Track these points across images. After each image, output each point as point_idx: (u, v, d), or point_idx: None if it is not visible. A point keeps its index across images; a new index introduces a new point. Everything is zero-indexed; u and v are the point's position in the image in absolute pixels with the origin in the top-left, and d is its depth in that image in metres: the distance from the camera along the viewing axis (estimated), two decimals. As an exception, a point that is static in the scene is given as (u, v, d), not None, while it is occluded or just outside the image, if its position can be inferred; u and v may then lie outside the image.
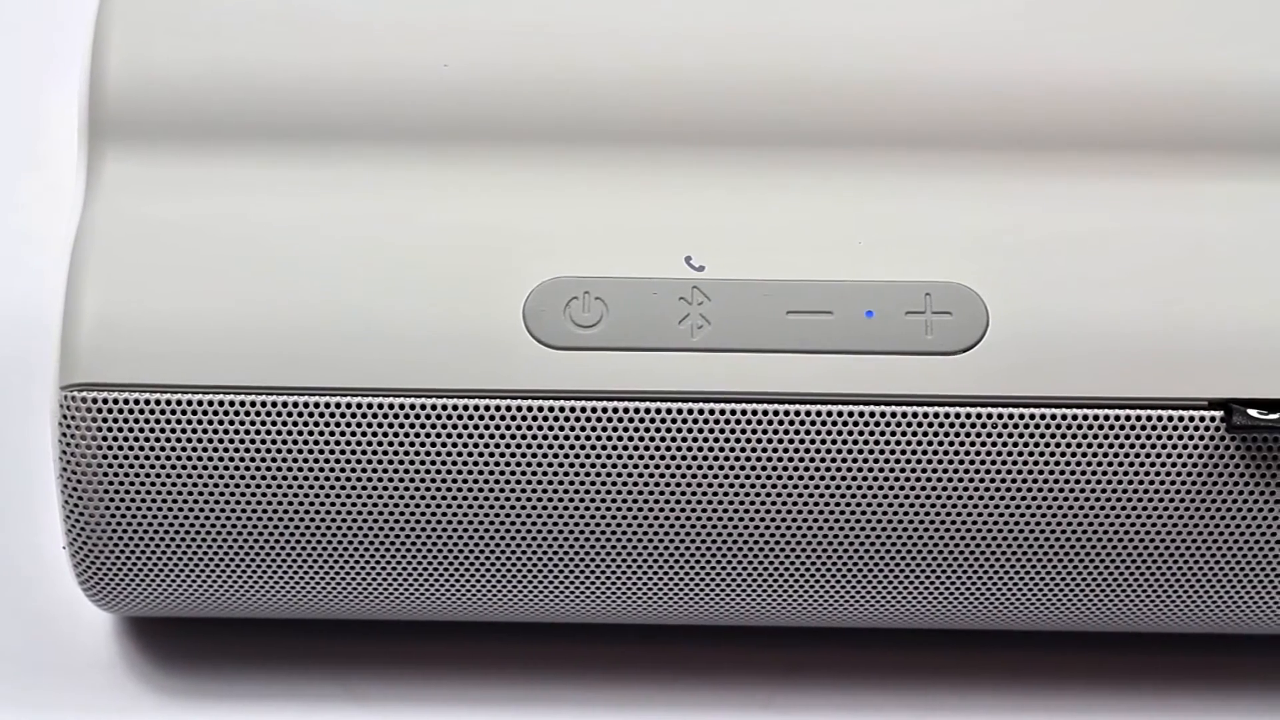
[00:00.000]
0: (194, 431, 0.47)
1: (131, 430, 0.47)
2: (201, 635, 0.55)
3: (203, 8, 0.50)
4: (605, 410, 0.47)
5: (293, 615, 0.52)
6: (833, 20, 0.50)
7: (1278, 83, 0.50)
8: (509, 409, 0.47)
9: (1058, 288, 0.48)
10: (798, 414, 0.47)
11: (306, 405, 0.47)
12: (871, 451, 0.47)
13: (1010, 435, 0.47)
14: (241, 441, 0.47)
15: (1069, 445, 0.47)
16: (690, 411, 0.47)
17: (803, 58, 0.50)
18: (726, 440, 0.47)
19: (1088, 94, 0.49)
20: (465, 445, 0.47)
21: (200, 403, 0.47)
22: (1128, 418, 0.47)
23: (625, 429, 0.47)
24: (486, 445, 0.47)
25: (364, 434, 0.47)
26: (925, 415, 0.47)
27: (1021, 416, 0.47)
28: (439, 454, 0.47)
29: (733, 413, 0.47)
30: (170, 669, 0.55)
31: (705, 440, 0.47)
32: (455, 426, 0.47)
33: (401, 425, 0.47)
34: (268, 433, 0.47)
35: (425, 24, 0.50)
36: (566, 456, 0.47)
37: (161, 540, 0.49)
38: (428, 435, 0.47)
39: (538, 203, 0.49)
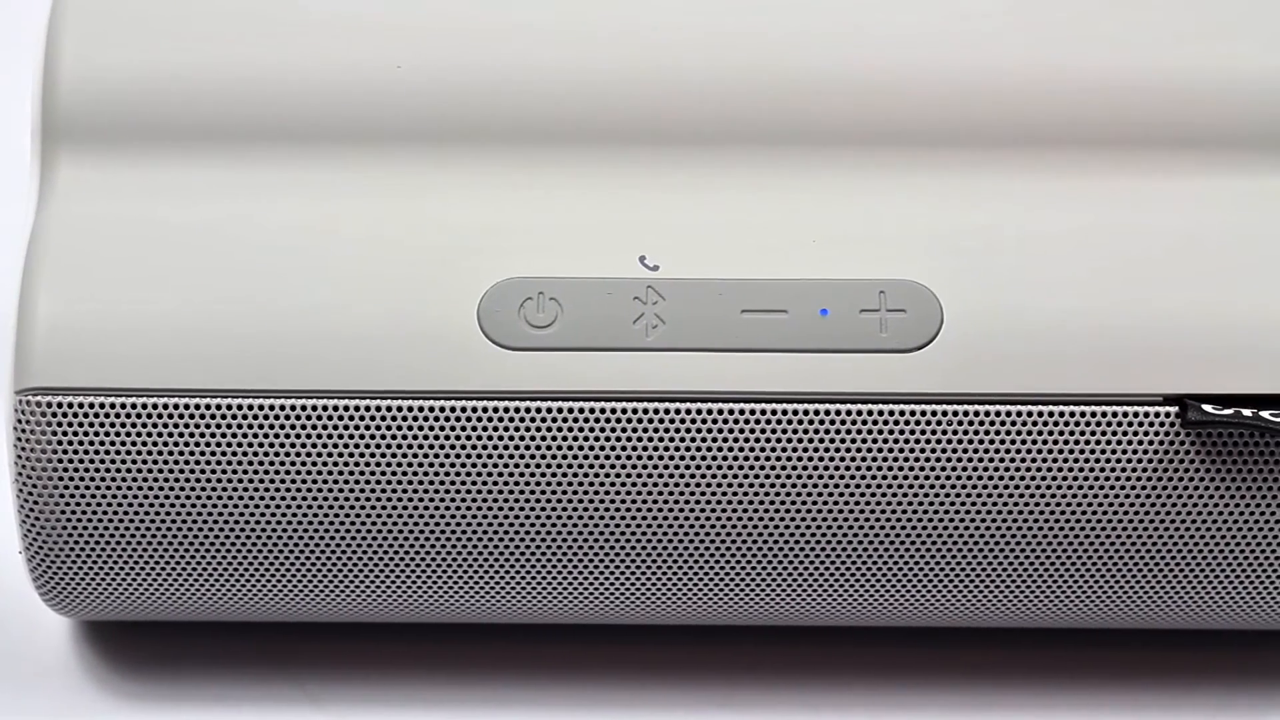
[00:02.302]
0: (149, 435, 0.47)
1: (87, 434, 0.47)
2: (160, 639, 0.55)
3: (155, 11, 0.50)
4: (560, 411, 0.47)
5: (250, 618, 0.52)
6: (785, 19, 0.50)
7: (1229, 79, 0.50)
8: (464, 410, 0.47)
9: (1012, 285, 0.48)
10: (753, 413, 0.47)
11: (260, 408, 0.47)
12: (826, 450, 0.47)
13: (965, 432, 0.47)
14: (196, 444, 0.47)
15: (1024, 442, 0.47)
16: (645, 411, 0.47)
17: (755, 57, 0.50)
18: (681, 440, 0.47)
19: (1039, 92, 0.49)
20: (421, 447, 0.47)
21: (155, 406, 0.47)
22: (1083, 414, 0.47)
23: (580, 429, 0.47)
24: (442, 447, 0.47)
25: (319, 436, 0.47)
26: (880, 413, 0.47)
27: (976, 413, 0.47)
28: (395, 456, 0.47)
29: (688, 412, 0.47)
30: (128, 673, 0.55)
31: (660, 440, 0.47)
32: (410, 428, 0.47)
33: (357, 427, 0.47)
34: (222, 435, 0.47)
35: (376, 25, 0.50)
36: (522, 457, 0.47)
37: (118, 544, 0.49)
38: (383, 437, 0.47)
39: (492, 204, 0.49)
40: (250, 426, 0.47)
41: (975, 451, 0.47)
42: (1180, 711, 0.55)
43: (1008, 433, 0.47)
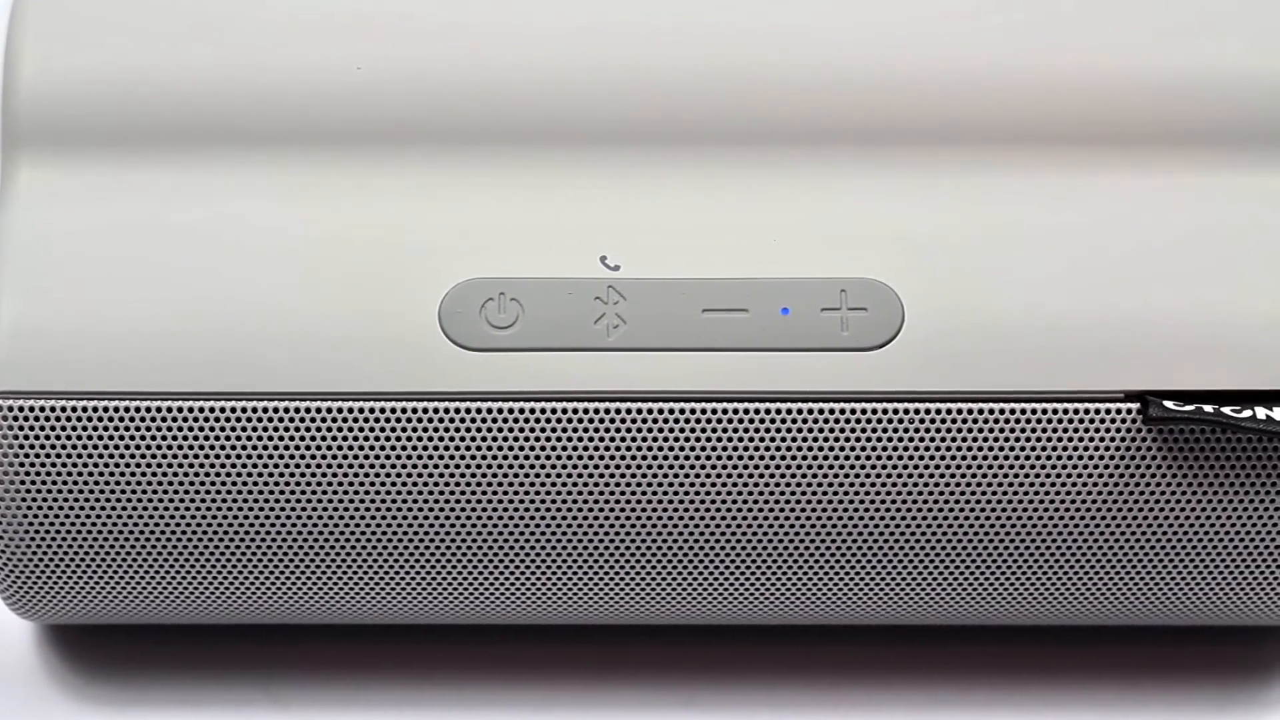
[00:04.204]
0: (112, 438, 0.47)
1: (49, 438, 0.47)
2: (124, 642, 0.55)
3: (115, 15, 0.50)
4: (522, 411, 0.47)
5: (214, 621, 0.52)
6: (745, 19, 0.50)
7: (1191, 76, 0.50)
8: (426, 411, 0.47)
9: (972, 282, 0.48)
10: (714, 412, 0.47)
11: (223, 410, 0.47)
12: (788, 449, 0.47)
13: (927, 430, 0.47)
14: (159, 447, 0.47)
15: (986, 439, 0.47)
16: (606, 411, 0.47)
17: (715, 56, 0.49)
18: (643, 439, 0.47)
19: (998, 91, 0.49)
20: (382, 448, 0.47)
21: (117, 409, 0.47)
22: (1044, 411, 0.47)
23: (542, 430, 0.47)
24: (403, 448, 0.47)
25: (280, 439, 0.47)
26: (842, 412, 0.47)
27: (938, 411, 0.47)
28: (356, 458, 0.47)
29: (649, 412, 0.47)
30: (94, 676, 0.55)
31: (622, 440, 0.47)
32: (372, 430, 0.47)
33: (318, 429, 0.47)
34: (184, 438, 0.47)
35: (337, 26, 0.50)
36: (484, 458, 0.47)
37: (82, 548, 0.49)
38: (344, 439, 0.47)
39: (452, 204, 0.49)
40: (212, 430, 0.47)
41: (937, 450, 0.47)
42: (1147, 707, 0.55)
43: (970, 430, 0.47)
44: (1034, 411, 0.47)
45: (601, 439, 0.47)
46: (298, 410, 0.47)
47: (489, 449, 0.47)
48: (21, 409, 0.47)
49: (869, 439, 0.47)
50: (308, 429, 0.47)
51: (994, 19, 0.50)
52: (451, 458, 0.47)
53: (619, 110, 0.49)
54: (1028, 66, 0.50)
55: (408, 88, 0.49)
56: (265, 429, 0.47)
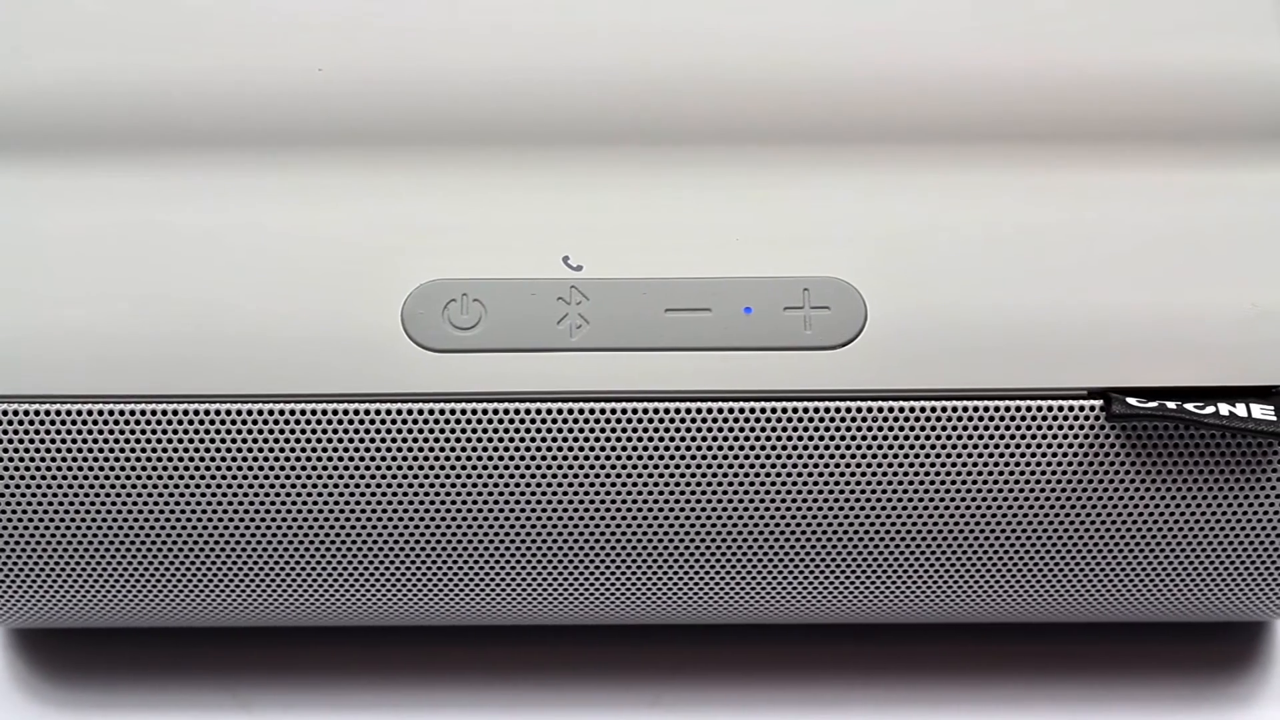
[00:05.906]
0: (71, 441, 0.47)
1: (8, 441, 0.47)
2: (89, 646, 0.55)
3: (78, 17, 0.50)
4: (485, 412, 0.47)
5: (179, 624, 0.52)
6: (705, 18, 0.50)
7: (1155, 73, 0.50)
8: (389, 413, 0.47)
9: (935, 280, 0.48)
10: (677, 412, 0.47)
11: (186, 413, 0.47)
12: (751, 448, 0.47)
13: (890, 429, 0.47)
14: (119, 450, 0.47)
15: (949, 437, 0.47)
16: (570, 412, 0.47)
17: (674, 54, 0.49)
18: (607, 440, 0.47)
19: (959, 86, 0.49)
20: (345, 450, 0.47)
21: (78, 412, 0.47)
22: (1007, 408, 0.47)
23: (505, 430, 0.47)
24: (366, 449, 0.47)
25: (241, 440, 0.47)
26: (805, 411, 0.47)
27: (901, 410, 0.47)
28: (319, 459, 0.47)
29: (613, 412, 0.47)
30: (58, 681, 0.54)
31: (586, 440, 0.47)
32: (335, 431, 0.47)
33: (280, 431, 0.47)
34: (145, 441, 0.47)
35: (298, 28, 0.50)
36: (447, 459, 0.47)
37: (43, 552, 0.48)
38: (307, 441, 0.47)
39: (415, 206, 0.48)
40: (171, 432, 0.47)
41: (901, 448, 0.47)
42: (1112, 704, 0.55)
43: (933, 428, 0.47)
44: (997, 409, 0.47)
45: (564, 439, 0.47)
46: (260, 412, 0.47)
47: (452, 450, 0.47)
48: (-16, 413, 0.47)
49: (833, 438, 0.47)
50: (269, 430, 0.47)
51: (953, 17, 0.50)
52: (414, 459, 0.47)
53: (581, 111, 0.49)
54: (988, 64, 0.50)
55: (369, 89, 0.49)
56: (226, 431, 0.47)
